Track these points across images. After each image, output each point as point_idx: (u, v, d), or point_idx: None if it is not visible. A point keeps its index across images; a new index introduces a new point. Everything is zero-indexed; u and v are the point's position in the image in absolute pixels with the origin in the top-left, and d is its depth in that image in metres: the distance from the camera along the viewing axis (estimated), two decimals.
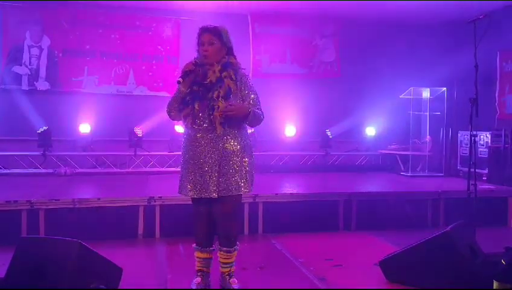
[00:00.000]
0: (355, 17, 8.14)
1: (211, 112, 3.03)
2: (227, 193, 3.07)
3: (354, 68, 8.24)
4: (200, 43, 3.11)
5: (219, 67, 3.08)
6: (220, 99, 3.02)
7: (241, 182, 3.11)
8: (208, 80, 3.05)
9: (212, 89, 3.05)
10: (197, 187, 3.08)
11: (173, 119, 3.28)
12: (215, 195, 3.05)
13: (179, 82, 2.99)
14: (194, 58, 3.09)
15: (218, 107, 3.00)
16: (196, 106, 3.04)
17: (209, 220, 3.18)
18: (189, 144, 3.12)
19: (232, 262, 3.23)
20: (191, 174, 3.09)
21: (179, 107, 3.11)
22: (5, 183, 6.02)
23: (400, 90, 7.37)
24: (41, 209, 4.58)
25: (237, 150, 3.10)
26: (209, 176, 3.05)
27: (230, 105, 3.00)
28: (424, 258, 3.38)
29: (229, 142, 3.08)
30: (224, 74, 3.07)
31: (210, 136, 3.06)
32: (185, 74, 2.98)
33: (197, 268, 3.24)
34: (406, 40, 8.14)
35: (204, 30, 3.11)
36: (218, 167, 3.06)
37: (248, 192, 3.19)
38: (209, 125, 3.05)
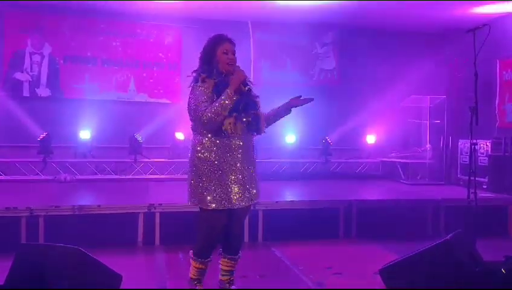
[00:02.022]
0: (354, 25, 8.18)
1: (257, 120, 3.08)
2: (257, 199, 3.17)
3: (354, 76, 8.27)
4: (223, 52, 3.06)
5: (247, 78, 3.13)
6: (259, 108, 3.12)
7: (259, 187, 3.21)
8: (244, 89, 3.04)
9: (245, 98, 3.06)
10: (245, 196, 3.04)
11: (215, 129, 2.97)
12: (253, 201, 3.11)
13: (249, 90, 3.02)
14: (239, 71, 3.06)
15: (261, 115, 3.10)
16: (254, 113, 3.06)
17: (223, 231, 3.15)
18: (225, 153, 3.00)
19: (233, 270, 3.23)
20: (234, 183, 3.01)
21: (235, 115, 2.97)
22: (5, 189, 6.02)
23: (400, 98, 7.39)
24: (41, 216, 4.57)
25: (255, 158, 3.20)
26: (251, 183, 3.09)
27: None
28: (424, 266, 3.37)
29: (252, 150, 3.17)
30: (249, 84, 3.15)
31: (246, 145, 3.08)
32: (244, 82, 3.01)
33: (193, 277, 3.18)
34: (406, 48, 8.18)
35: (227, 39, 3.11)
36: (253, 173, 3.12)
37: None
38: (243, 134, 3.05)
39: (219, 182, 2.98)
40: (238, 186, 3.02)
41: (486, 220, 5.04)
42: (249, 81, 3.13)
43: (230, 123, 2.95)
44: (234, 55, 3.10)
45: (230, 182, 3.00)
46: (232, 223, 3.13)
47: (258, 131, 3.12)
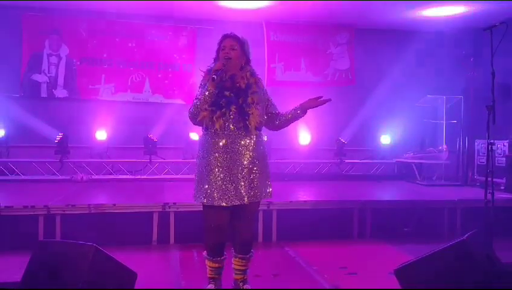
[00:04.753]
0: (369, 25, 8.14)
1: (246, 117, 3.02)
2: (257, 199, 3.08)
3: (368, 76, 8.23)
4: (221, 48, 3.10)
5: (247, 73, 3.11)
6: (254, 105, 3.04)
7: (267, 187, 3.14)
8: (238, 84, 3.06)
9: (241, 95, 3.04)
10: (227, 195, 2.98)
11: (198, 123, 3.07)
12: (247, 201, 3.01)
13: (213, 79, 2.93)
14: (220, 60, 3.04)
15: (252, 113, 3.02)
16: (233, 109, 3.00)
17: (225, 229, 3.13)
18: (215, 150, 3.02)
19: (246, 269, 3.23)
20: (219, 181, 2.99)
21: (212, 109, 2.98)
22: (23, 189, 6.12)
23: (416, 98, 7.32)
24: (57, 214, 4.64)
25: (261, 155, 3.12)
26: (242, 182, 3.00)
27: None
28: (440, 267, 3.33)
29: (256, 147, 3.09)
30: (251, 80, 3.11)
31: (240, 142, 3.03)
32: (217, 72, 2.95)
33: (209, 276, 3.23)
34: (421, 47, 8.10)
35: (226, 36, 3.13)
36: (248, 172, 3.04)
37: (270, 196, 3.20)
38: (238, 131, 3.03)
39: (206, 178, 3.01)
40: (222, 185, 2.98)
41: (504, 221, 4.95)
42: (249, 77, 3.10)
43: (205, 116, 2.99)
44: (233, 50, 3.06)
45: (215, 179, 2.99)
46: (237, 221, 3.12)
47: (246, 130, 3.03)
